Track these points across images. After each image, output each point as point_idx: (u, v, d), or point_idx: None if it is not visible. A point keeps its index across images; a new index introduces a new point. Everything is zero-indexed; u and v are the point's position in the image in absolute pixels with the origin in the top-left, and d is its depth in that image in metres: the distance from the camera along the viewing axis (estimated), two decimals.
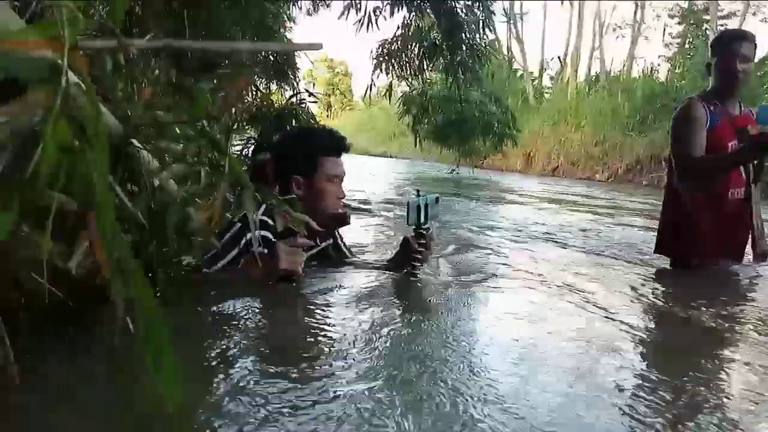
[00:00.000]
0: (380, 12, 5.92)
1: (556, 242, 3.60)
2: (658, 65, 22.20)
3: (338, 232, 2.39)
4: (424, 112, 10.74)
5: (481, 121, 11.04)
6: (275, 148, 2.25)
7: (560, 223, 4.84)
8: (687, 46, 22.64)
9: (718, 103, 2.82)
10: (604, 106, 17.65)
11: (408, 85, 10.11)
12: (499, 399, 1.13)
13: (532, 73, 24.51)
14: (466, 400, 1.11)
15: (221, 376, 1.15)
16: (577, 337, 1.61)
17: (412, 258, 2.09)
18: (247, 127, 4.16)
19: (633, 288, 2.36)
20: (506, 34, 24.13)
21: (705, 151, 2.77)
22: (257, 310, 1.64)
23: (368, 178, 10.02)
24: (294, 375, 1.17)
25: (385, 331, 1.50)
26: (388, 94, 7.90)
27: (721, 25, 21.41)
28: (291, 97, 4.17)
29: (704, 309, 2.05)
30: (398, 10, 5.86)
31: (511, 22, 22.43)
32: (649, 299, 2.21)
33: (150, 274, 1.06)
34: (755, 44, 2.80)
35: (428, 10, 5.86)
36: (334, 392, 1.10)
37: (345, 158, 2.23)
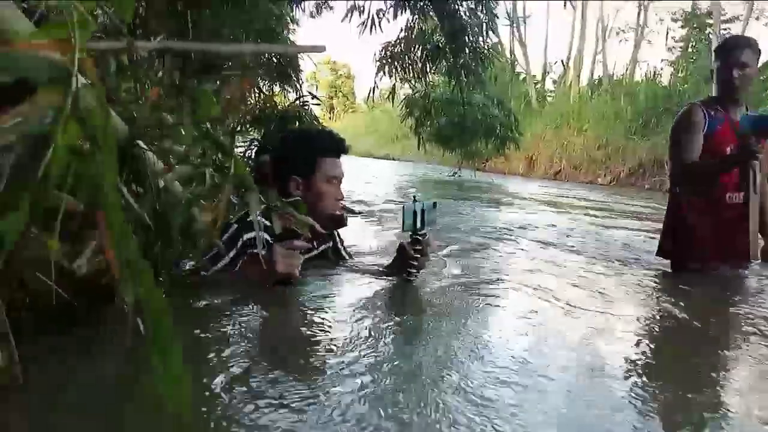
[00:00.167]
0: (383, 14, 5.94)
1: (556, 246, 3.60)
2: (661, 69, 22.20)
3: (338, 235, 2.38)
4: (426, 114, 10.76)
5: (483, 124, 11.01)
6: (275, 150, 2.26)
7: (559, 226, 4.84)
8: (690, 49, 22.64)
9: (720, 109, 2.86)
10: (606, 109, 17.64)
11: (411, 88, 10.15)
12: (489, 404, 1.14)
13: (534, 76, 24.51)
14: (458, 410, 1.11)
15: (207, 379, 1.16)
16: (575, 344, 1.62)
17: (408, 264, 2.07)
18: (250, 129, 4.17)
19: (631, 292, 2.37)
20: (509, 37, 24.19)
21: (704, 156, 2.80)
22: (251, 313, 1.64)
23: (371, 180, 10.02)
24: (287, 376, 1.18)
25: (377, 337, 1.49)
26: (391, 96, 7.92)
27: (724, 29, 21.41)
28: (295, 100, 4.18)
29: (683, 312, 2.06)
30: (401, 12, 5.87)
31: (514, 25, 22.49)
32: (652, 305, 2.22)
33: (156, 275, 1.07)
34: (758, 51, 2.83)
35: (431, 13, 5.87)
36: (325, 398, 1.10)
37: (348, 160, 2.24)
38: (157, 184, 0.91)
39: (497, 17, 6.56)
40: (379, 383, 1.17)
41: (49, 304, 1.04)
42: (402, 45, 6.40)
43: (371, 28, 6.00)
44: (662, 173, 13.22)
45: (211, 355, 1.29)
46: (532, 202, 7.95)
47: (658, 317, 2.03)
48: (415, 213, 2.02)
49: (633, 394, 1.23)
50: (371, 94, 7.52)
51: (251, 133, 4.24)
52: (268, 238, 1.83)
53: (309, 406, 1.05)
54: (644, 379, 1.35)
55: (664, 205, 3.16)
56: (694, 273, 2.87)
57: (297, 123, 4.07)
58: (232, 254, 1.86)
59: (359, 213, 4.66)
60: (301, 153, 2.12)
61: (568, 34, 23.82)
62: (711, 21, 21.33)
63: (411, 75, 6.82)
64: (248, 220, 1.83)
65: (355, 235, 3.17)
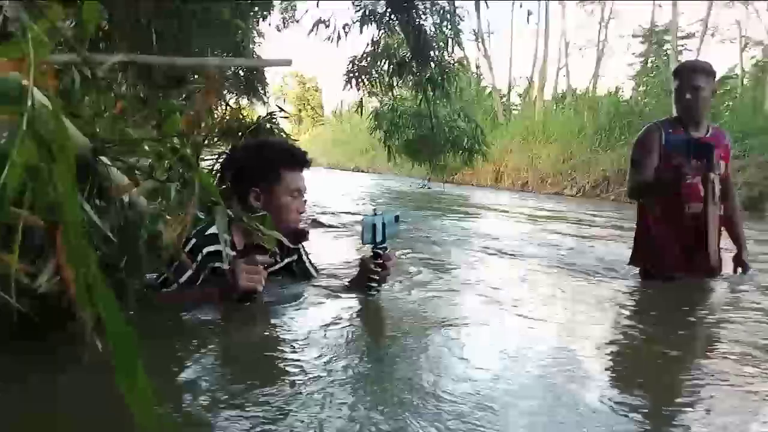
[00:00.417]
0: (349, 29, 5.97)
1: (520, 256, 3.64)
2: (623, 83, 22.71)
3: (303, 248, 2.34)
4: (395, 127, 10.83)
5: (450, 137, 11.12)
6: (234, 160, 2.18)
7: (526, 236, 4.90)
8: (649, 64, 23.22)
9: (680, 127, 2.96)
10: (571, 123, 17.97)
11: (378, 101, 10.21)
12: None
13: (500, 90, 24.83)
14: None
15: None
16: (540, 361, 1.63)
17: (368, 278, 2.03)
18: (218, 143, 4.13)
19: (598, 303, 2.40)
20: (474, 51, 24.46)
21: (665, 171, 2.90)
22: (209, 329, 1.61)
23: (339, 192, 10.00)
24: (237, 398, 1.15)
25: (333, 358, 1.45)
26: (358, 109, 7.95)
27: (681, 45, 22.03)
28: (266, 116, 4.15)
29: (631, 320, 2.11)
30: (367, 27, 5.92)
31: (479, 40, 22.80)
32: (615, 316, 2.25)
33: (118, 293, 1.05)
34: (712, 73, 2.97)
35: (397, 28, 5.92)
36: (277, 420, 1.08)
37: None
38: (121, 200, 0.90)
39: (462, 32, 6.65)
40: (334, 406, 1.15)
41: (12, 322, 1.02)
42: (368, 59, 6.44)
43: (337, 41, 6.03)
44: (626, 185, 13.45)
45: (166, 375, 1.26)
46: (498, 213, 8.02)
47: (607, 326, 2.06)
48: (374, 226, 1.97)
49: (599, 403, 1.25)
50: (339, 107, 7.54)
51: (219, 146, 4.19)
52: (230, 252, 1.80)
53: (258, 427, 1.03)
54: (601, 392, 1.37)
55: (624, 215, 3.24)
56: (659, 282, 2.93)
57: (268, 136, 4.04)
58: (193, 269, 1.80)
59: (327, 226, 4.65)
60: (264, 164, 2.05)
61: (532, 48, 24.14)
62: (669, 37, 21.90)
63: (378, 88, 6.86)
64: (206, 234, 1.80)
65: (322, 248, 3.16)
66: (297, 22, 8.28)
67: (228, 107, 4.77)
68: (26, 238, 0.61)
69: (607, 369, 1.58)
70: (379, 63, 6.51)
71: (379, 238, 1.99)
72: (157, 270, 1.61)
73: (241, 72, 4.89)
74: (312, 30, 6.14)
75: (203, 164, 2.09)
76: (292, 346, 1.55)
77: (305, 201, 2.15)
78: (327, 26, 6.09)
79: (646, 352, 1.79)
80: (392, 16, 5.81)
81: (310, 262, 2.36)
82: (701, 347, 1.92)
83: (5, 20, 0.72)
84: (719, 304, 2.61)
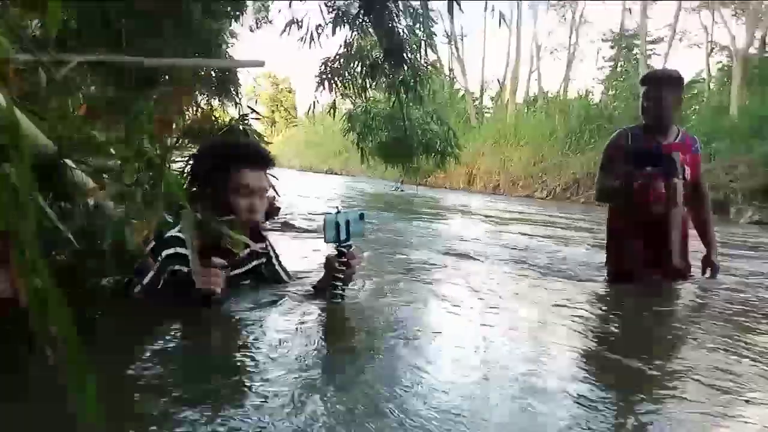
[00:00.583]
0: (322, 30, 5.96)
1: (488, 258, 3.66)
2: (593, 87, 23.12)
3: (274, 252, 2.30)
4: (368, 129, 10.86)
5: (423, 140, 11.20)
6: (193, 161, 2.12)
7: (494, 238, 4.94)
8: (618, 69, 23.65)
9: (648, 134, 3.03)
10: (542, 126, 18.22)
11: (352, 103, 10.22)
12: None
13: (473, 93, 25.07)
14: None
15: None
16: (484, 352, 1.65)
17: (333, 277, 1.97)
18: (189, 145, 4.09)
19: (561, 305, 2.42)
20: (448, 54, 24.64)
21: (628, 176, 2.98)
22: (169, 339, 1.57)
23: (312, 194, 9.97)
24: (198, 406, 1.13)
25: (295, 368, 1.39)
26: (331, 111, 7.94)
27: (650, 50, 22.47)
28: (239, 118, 4.13)
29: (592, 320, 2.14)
30: (340, 28, 5.91)
31: (452, 43, 22.95)
32: (579, 317, 2.28)
33: (79, 297, 1.03)
34: (675, 81, 3.05)
35: (370, 30, 5.93)
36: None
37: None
38: (86, 203, 0.89)
39: (435, 35, 6.69)
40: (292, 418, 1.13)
41: None
42: (341, 61, 6.44)
43: (310, 42, 6.01)
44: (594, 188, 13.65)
45: (122, 382, 1.23)
46: (468, 215, 8.08)
47: (564, 325, 2.08)
48: (337, 224, 1.95)
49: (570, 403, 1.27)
50: (312, 109, 7.51)
51: (190, 148, 4.15)
52: (189, 253, 1.74)
53: None
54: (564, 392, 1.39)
55: (591, 217, 3.30)
56: (625, 284, 2.99)
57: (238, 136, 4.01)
58: (153, 272, 1.76)
59: (299, 229, 4.63)
60: (213, 163, 1.99)
61: (504, 51, 24.38)
62: (638, 42, 22.32)
63: (351, 90, 6.86)
64: (165, 237, 1.76)
65: (293, 251, 3.14)
66: (270, 22, 8.23)
67: (199, 109, 4.72)
68: None
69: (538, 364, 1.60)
70: (352, 65, 6.51)
71: (343, 237, 1.96)
72: (122, 272, 1.58)
73: (213, 73, 4.85)
74: (284, 30, 6.10)
75: (173, 167, 2.04)
76: (244, 352, 1.52)
77: (273, 199, 2.09)
78: (300, 27, 6.06)
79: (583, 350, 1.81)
80: (365, 18, 5.81)
81: (280, 265, 2.30)
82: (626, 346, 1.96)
83: None
84: (667, 305, 2.67)
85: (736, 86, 15.63)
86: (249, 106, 4.84)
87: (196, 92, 4.45)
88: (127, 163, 1.01)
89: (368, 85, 6.76)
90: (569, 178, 15.65)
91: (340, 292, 1.97)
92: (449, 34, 19.84)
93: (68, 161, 0.92)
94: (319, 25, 5.97)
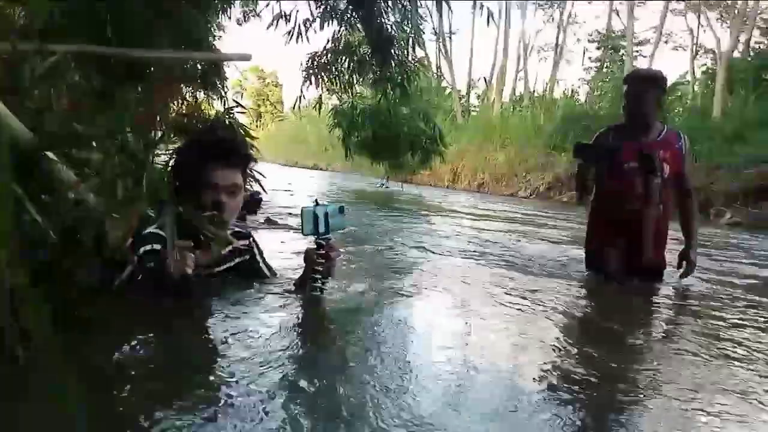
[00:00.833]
0: (310, 24, 5.92)
1: (472, 257, 3.68)
2: (579, 87, 23.26)
3: (258, 248, 2.28)
4: (354, 125, 10.82)
5: (409, 137, 11.19)
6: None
7: (477, 237, 4.96)
8: (605, 69, 23.81)
9: (629, 132, 3.08)
10: (527, 125, 18.30)
11: (338, 99, 10.18)
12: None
13: (460, 91, 25.11)
14: None
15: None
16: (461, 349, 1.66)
17: (312, 270, 1.97)
18: (174, 138, 4.05)
19: (543, 301, 2.44)
20: (435, 52, 24.64)
21: (610, 172, 3.09)
22: (141, 331, 1.54)
23: (297, 190, 9.94)
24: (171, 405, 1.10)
25: (272, 368, 1.38)
26: (317, 106, 7.91)
27: (636, 51, 22.65)
28: (225, 110, 4.10)
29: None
30: (329, 24, 5.88)
31: (440, 40, 22.95)
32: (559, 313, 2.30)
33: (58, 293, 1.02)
34: (656, 81, 3.12)
35: (358, 25, 5.90)
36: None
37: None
38: (66, 196, 0.88)
39: (423, 32, 6.68)
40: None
41: None
42: (329, 56, 6.41)
43: (297, 37, 5.97)
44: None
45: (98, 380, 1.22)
46: (451, 213, 8.10)
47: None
48: (316, 216, 1.93)
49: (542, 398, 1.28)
50: (298, 103, 7.46)
51: (175, 142, 4.11)
52: (161, 247, 1.71)
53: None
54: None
55: (569, 217, 3.35)
56: (600, 281, 3.07)
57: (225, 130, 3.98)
58: (131, 267, 1.73)
59: (281, 225, 4.62)
60: (185, 159, 1.94)
61: (491, 51, 24.47)
62: (624, 43, 22.47)
63: (337, 86, 6.84)
64: (143, 233, 1.74)
65: (275, 247, 3.13)
66: (258, 16, 8.17)
67: (185, 102, 4.68)
68: None
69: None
70: (339, 60, 6.48)
71: (322, 229, 1.95)
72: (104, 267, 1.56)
73: (198, 66, 4.79)
74: (272, 24, 6.06)
75: (157, 160, 2.00)
76: (221, 349, 1.50)
77: (256, 194, 2.05)
78: (288, 21, 6.02)
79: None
80: (354, 13, 5.79)
81: (264, 261, 2.29)
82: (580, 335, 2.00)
83: None
84: (623, 304, 2.77)
85: (720, 89, 15.78)
86: (234, 100, 4.81)
87: (181, 85, 4.40)
88: (108, 156, 1.00)
89: (355, 81, 6.74)
90: (552, 178, 15.73)
91: (320, 285, 1.97)
92: (438, 31, 19.88)
93: (49, 154, 0.91)
94: (307, 19, 5.94)
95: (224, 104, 4.79)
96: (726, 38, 18.30)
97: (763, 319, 2.42)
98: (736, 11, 18.47)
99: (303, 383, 1.30)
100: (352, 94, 8.29)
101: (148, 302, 1.71)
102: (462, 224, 6.39)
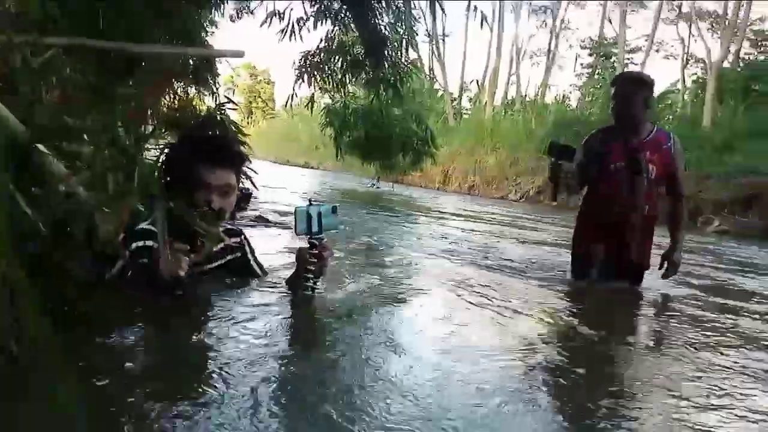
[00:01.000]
0: (304, 23, 5.91)
1: (463, 258, 3.70)
2: (570, 93, 23.37)
3: (250, 247, 2.28)
4: (345, 125, 10.81)
5: (401, 138, 11.20)
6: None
7: (466, 238, 4.99)
8: (596, 76, 23.92)
9: (617, 133, 3.10)
10: (519, 129, 18.36)
11: (330, 98, 10.18)
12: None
13: (452, 93, 25.14)
14: None
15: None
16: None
17: (305, 269, 1.97)
18: (165, 133, 4.03)
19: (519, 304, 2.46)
20: (428, 53, 24.66)
21: (599, 172, 3.11)
22: (130, 328, 1.53)
23: (287, 188, 9.92)
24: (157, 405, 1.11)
25: (257, 368, 1.37)
26: (309, 105, 7.89)
27: (627, 59, 22.78)
28: (217, 106, 4.09)
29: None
30: (322, 23, 5.87)
31: (433, 42, 22.99)
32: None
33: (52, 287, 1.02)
34: (642, 82, 3.16)
35: (352, 25, 5.90)
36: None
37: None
38: (57, 190, 0.88)
39: (417, 33, 6.69)
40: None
41: None
42: (322, 55, 6.40)
43: (291, 35, 5.96)
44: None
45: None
46: (443, 216, 8.12)
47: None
48: (309, 216, 1.93)
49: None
50: (290, 101, 7.45)
51: (166, 137, 4.09)
52: (154, 244, 1.71)
53: None
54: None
55: (556, 221, 3.38)
56: (585, 282, 3.10)
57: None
58: (123, 263, 1.73)
59: (272, 223, 4.62)
60: (177, 158, 1.94)
61: (484, 54, 24.52)
62: (616, 50, 22.60)
63: (330, 85, 6.83)
64: (135, 230, 1.73)
65: (267, 245, 3.13)
66: (251, 13, 8.14)
67: (176, 97, 4.67)
68: None
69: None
70: (332, 59, 6.47)
71: (315, 229, 1.95)
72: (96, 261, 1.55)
73: (191, 61, 4.78)
74: (265, 21, 6.04)
75: (148, 155, 1.99)
76: (210, 347, 1.51)
77: (247, 190, 2.05)
78: (281, 19, 6.00)
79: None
80: (347, 13, 5.78)
81: (255, 260, 2.29)
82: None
83: None
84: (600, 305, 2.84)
85: (710, 99, 15.89)
86: (226, 96, 4.81)
87: (174, 80, 4.39)
88: (99, 150, 1.01)
89: (348, 81, 6.73)
90: (542, 182, 15.79)
91: (311, 284, 1.97)
92: (431, 33, 19.91)
93: (40, 146, 0.91)
94: (301, 18, 5.92)
95: (216, 100, 4.78)
96: (716, 48, 18.48)
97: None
98: (726, 22, 18.63)
99: (291, 382, 1.31)
100: (344, 94, 8.29)
101: (139, 298, 1.71)
102: (449, 224, 6.42)
